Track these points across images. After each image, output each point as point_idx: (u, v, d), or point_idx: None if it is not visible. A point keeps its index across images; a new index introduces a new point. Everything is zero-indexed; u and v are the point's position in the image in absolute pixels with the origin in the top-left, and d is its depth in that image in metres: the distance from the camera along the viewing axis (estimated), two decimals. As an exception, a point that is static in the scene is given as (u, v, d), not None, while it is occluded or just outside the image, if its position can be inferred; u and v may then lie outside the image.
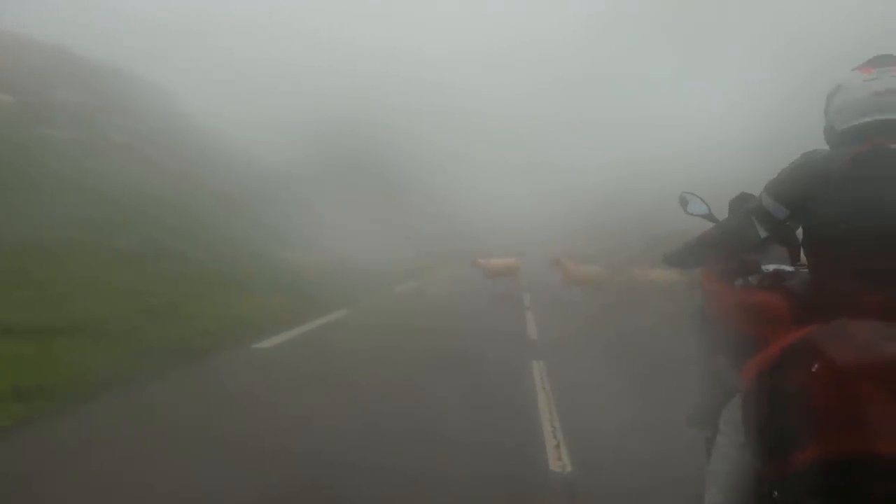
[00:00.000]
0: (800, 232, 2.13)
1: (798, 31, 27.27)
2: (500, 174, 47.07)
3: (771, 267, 2.31)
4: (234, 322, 8.52)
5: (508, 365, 7.33)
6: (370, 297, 14.30)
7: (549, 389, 6.00)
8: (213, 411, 4.71)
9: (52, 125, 20.08)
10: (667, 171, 21.00)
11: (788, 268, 2.31)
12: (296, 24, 57.09)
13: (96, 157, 20.34)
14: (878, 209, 1.84)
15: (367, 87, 52.77)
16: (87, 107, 23.53)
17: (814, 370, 1.60)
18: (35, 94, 21.33)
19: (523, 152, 50.38)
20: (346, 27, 65.97)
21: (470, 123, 54.16)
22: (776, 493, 1.88)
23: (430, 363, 7.17)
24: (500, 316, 12.26)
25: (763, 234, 2.06)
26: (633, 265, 14.55)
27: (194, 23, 44.04)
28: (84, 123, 22.04)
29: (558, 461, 4.11)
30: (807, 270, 2.17)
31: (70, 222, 13.45)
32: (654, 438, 4.40)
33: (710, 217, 2.66)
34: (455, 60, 58.28)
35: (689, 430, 2.71)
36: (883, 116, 1.97)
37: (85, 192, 16.42)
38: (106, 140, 22.44)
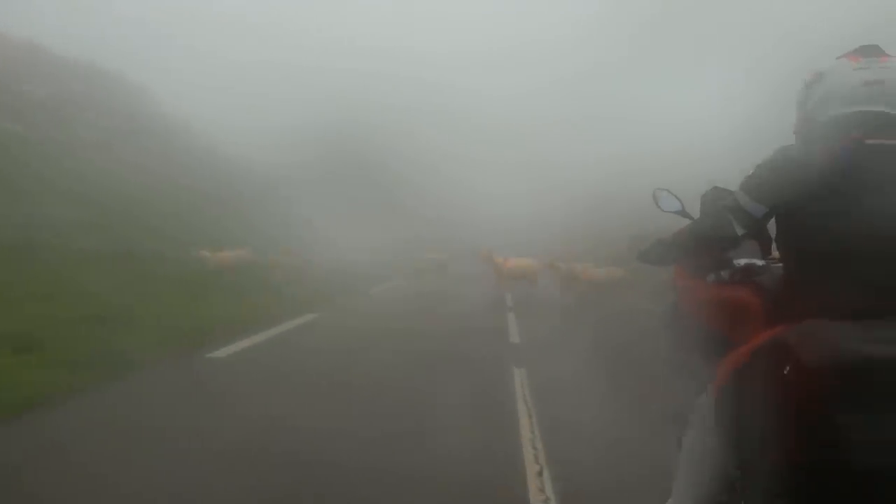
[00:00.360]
0: (771, 225, 2.08)
1: (792, 26, 26.72)
2: (500, 173, 46.50)
3: (742, 261, 2.28)
4: (195, 327, 7.90)
5: (485, 374, 6.70)
6: (347, 298, 13.90)
7: (530, 402, 5.36)
8: (132, 445, 4.02)
9: (31, 124, 19.61)
10: (667, 166, 20.53)
11: (760, 262, 2.28)
12: (291, 24, 56.71)
13: (75, 157, 19.88)
14: (857, 208, 1.77)
15: (363, 88, 52.35)
16: (71, 106, 23.04)
17: (786, 372, 1.59)
18: (13, 93, 20.83)
19: (523, 151, 49.76)
20: (341, 27, 65.57)
21: (469, 123, 53.63)
22: (746, 492, 1.85)
23: (396, 373, 6.54)
24: (480, 315, 11.78)
25: (740, 232, 1.99)
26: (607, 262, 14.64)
27: (190, 24, 43.66)
28: (66, 123, 21.55)
29: (540, 494, 3.48)
30: (778, 265, 2.17)
31: (44, 223, 12.96)
32: (650, 459, 3.75)
33: (683, 213, 2.60)
34: (454, 60, 57.73)
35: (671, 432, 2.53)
36: (870, 108, 1.90)
37: (63, 193, 15.95)
38: (89, 140, 21.95)
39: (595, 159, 36.01)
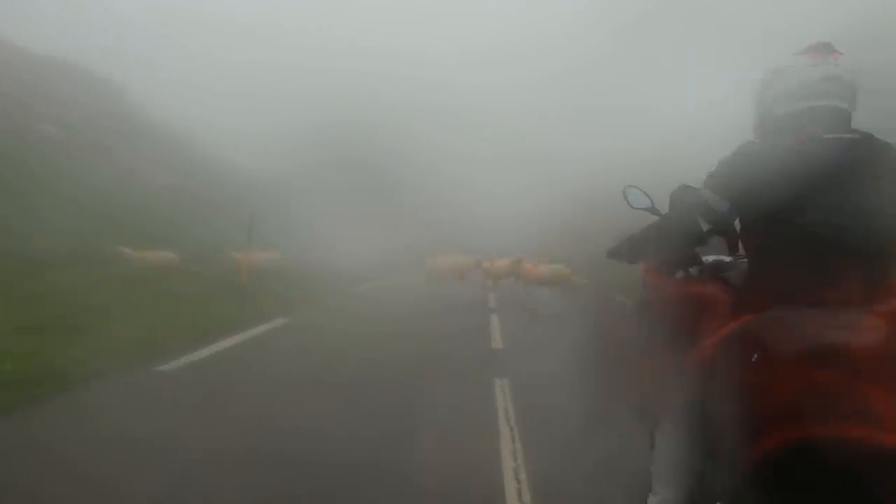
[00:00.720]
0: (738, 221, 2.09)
1: (786, 18, 26.24)
2: (501, 170, 45.98)
3: (710, 258, 2.31)
4: (151, 335, 7.41)
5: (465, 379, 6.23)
6: (328, 298, 13.76)
7: (514, 422, 4.86)
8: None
9: (16, 123, 19.31)
10: (667, 157, 20.15)
11: (727, 258, 2.30)
12: (290, 24, 56.55)
13: (69, 157, 19.61)
14: (815, 201, 1.82)
15: (363, 88, 52.06)
16: (59, 105, 22.76)
17: (753, 360, 1.62)
18: None
19: (525, 147, 49.26)
20: (340, 27, 65.43)
21: (470, 121, 53.22)
22: (719, 485, 1.83)
23: (362, 385, 6.05)
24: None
25: (706, 228, 2.02)
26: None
27: (188, 25, 43.51)
28: (53, 122, 21.26)
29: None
30: (744, 261, 2.20)
31: (10, 224, 12.59)
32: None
33: (652, 210, 2.61)
34: (454, 58, 57.40)
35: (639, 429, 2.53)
36: (826, 103, 1.95)
37: (46, 194, 15.59)
38: (85, 141, 21.69)
39: (598, 153, 35.56)
